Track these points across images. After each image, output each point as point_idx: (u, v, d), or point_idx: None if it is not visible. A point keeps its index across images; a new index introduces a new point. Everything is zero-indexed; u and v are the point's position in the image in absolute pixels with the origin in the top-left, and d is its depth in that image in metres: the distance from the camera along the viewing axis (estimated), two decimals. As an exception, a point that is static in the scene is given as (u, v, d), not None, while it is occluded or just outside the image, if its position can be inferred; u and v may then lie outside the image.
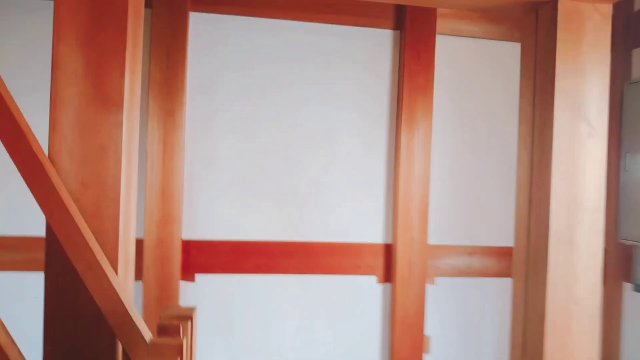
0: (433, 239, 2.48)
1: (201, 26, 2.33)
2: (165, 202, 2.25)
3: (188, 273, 2.33)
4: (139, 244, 2.21)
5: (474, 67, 2.54)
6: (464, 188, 2.53)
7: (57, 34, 1.12)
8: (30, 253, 2.21)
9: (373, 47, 2.44)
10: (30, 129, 1.08)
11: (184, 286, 2.32)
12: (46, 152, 1.17)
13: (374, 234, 2.46)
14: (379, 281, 2.45)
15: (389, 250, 2.45)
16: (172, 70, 2.26)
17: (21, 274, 2.22)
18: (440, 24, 2.45)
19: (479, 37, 2.52)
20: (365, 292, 2.45)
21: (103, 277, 1.14)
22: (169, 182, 2.25)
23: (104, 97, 1.15)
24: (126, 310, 1.14)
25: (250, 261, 2.36)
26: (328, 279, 2.42)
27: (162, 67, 2.25)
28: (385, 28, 2.45)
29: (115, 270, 1.22)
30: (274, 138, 2.38)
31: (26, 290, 2.21)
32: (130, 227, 1.34)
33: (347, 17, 2.42)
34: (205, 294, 2.34)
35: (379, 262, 2.45)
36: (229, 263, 2.35)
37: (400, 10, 2.45)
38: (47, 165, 1.09)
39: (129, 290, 1.31)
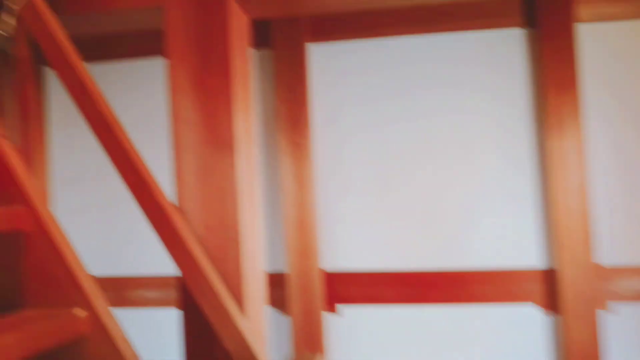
0: (604, 259, 2.14)
1: (320, 56, 2.35)
2: (303, 234, 2.27)
3: (330, 304, 2.30)
4: (283, 277, 2.27)
5: (627, 53, 2.17)
6: (634, 197, 2.15)
7: (172, 85, 1.18)
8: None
9: (502, 49, 2.23)
10: (154, 179, 1.14)
11: (327, 318, 2.29)
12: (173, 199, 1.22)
13: (529, 257, 2.19)
14: (542, 310, 2.17)
15: (550, 275, 2.16)
16: (297, 103, 2.30)
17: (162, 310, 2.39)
18: (579, 11, 2.15)
19: (628, 19, 2.15)
20: (525, 323, 2.18)
21: (229, 319, 1.15)
22: (304, 213, 2.27)
23: (217, 140, 1.17)
24: (251, 353, 1.13)
25: (393, 291, 2.26)
26: (481, 310, 2.21)
27: (286, 102, 2.30)
28: (513, 27, 2.22)
29: (243, 311, 1.23)
30: (408, 162, 2.28)
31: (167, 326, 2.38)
32: (257, 266, 1.34)
33: (466, 23, 2.24)
34: (348, 326, 2.29)
35: (539, 288, 2.17)
36: (370, 293, 2.28)
37: (527, 4, 2.20)
38: (171, 212, 1.14)
39: (259, 331, 1.30)
